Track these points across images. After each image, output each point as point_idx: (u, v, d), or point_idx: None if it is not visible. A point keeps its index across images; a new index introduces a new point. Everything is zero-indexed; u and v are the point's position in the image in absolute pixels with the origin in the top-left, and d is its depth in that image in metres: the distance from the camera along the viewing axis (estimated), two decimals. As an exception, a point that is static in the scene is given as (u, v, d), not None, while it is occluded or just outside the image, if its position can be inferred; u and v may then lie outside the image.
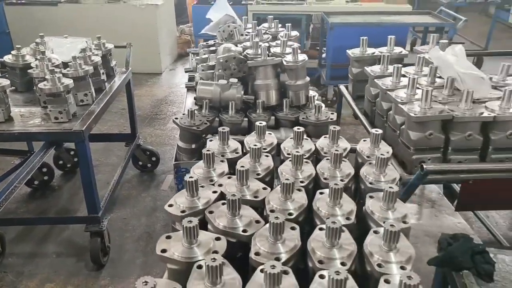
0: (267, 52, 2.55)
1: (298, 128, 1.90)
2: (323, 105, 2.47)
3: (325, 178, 1.64)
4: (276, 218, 1.25)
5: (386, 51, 3.19)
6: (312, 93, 2.69)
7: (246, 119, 2.47)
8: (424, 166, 2.08)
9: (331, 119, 2.34)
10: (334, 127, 1.93)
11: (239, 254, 1.35)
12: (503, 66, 2.68)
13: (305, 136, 1.94)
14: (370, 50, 3.26)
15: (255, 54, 2.55)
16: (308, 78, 2.54)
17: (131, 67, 4.16)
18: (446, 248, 1.87)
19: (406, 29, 6.87)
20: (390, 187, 1.42)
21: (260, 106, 2.46)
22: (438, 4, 8.47)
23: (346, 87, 3.49)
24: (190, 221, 1.23)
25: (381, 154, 1.62)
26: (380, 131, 1.83)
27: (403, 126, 2.39)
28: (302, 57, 2.46)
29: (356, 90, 3.30)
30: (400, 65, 2.68)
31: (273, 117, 2.51)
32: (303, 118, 2.38)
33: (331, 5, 7.42)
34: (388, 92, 2.57)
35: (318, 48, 7.10)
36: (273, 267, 1.06)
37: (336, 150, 1.67)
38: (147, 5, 7.39)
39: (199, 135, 2.28)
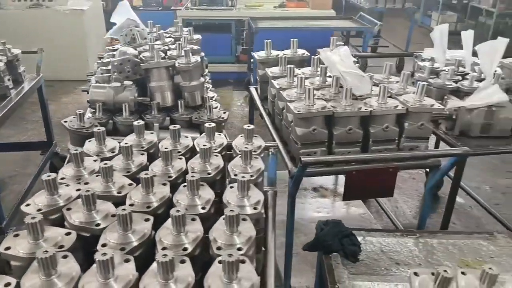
0: (163, 55, 2.61)
1: (209, 124, 1.94)
2: (217, 104, 2.56)
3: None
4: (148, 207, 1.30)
5: (290, 53, 3.36)
6: (211, 94, 2.78)
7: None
8: (302, 159, 2.22)
9: (222, 118, 2.44)
10: (248, 126, 1.98)
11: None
12: (386, 66, 2.92)
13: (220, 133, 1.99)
14: (274, 53, 3.41)
15: (151, 57, 2.60)
16: (202, 79, 2.63)
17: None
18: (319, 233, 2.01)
19: (330, 33, 7.22)
20: (242, 177, 1.52)
21: (155, 107, 2.51)
22: (363, 10, 8.92)
23: (257, 89, 3.62)
24: (34, 217, 1.26)
25: (245, 147, 1.72)
26: (251, 126, 1.94)
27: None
28: (195, 59, 2.55)
29: (263, 91, 3.43)
30: (293, 66, 2.83)
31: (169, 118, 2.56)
32: (195, 118, 2.46)
33: (259, 11, 7.62)
34: (281, 91, 2.72)
35: (251, 52, 7.26)
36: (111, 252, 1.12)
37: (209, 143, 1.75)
38: (72, 10, 7.21)
39: (89, 137, 2.28)
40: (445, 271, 1.29)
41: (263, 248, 1.67)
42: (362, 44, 6.64)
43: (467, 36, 3.13)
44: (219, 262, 1.18)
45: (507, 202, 4.58)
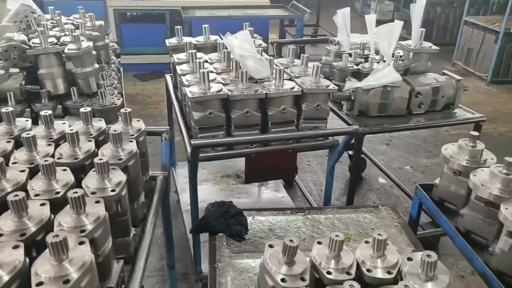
0: (55, 41, 2.50)
1: (84, 108, 1.87)
2: (115, 91, 2.49)
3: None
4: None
5: (202, 40, 3.33)
6: (111, 81, 2.70)
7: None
8: (192, 142, 2.21)
9: (115, 104, 2.38)
10: (125, 110, 1.92)
11: None
12: (289, 49, 2.96)
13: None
14: (186, 39, 3.37)
15: (40, 43, 2.49)
16: (97, 65, 2.54)
17: None
18: (206, 215, 2.01)
19: (265, 22, 7.26)
20: (99, 159, 1.48)
21: (45, 96, 2.41)
22: (302, -2, 9.01)
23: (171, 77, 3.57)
24: None
25: (114, 131, 1.68)
26: (129, 110, 1.90)
27: (192, 108, 2.52)
28: (86, 44, 2.46)
29: (175, 78, 3.38)
30: (194, 51, 2.81)
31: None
32: (88, 105, 2.38)
33: (194, 0, 7.51)
34: (182, 76, 2.69)
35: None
36: None
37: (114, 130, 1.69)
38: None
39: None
40: (291, 240, 1.32)
41: (133, 231, 1.65)
42: (296, 32, 6.73)
43: (371, 20, 3.23)
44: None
45: (425, 180, 4.81)
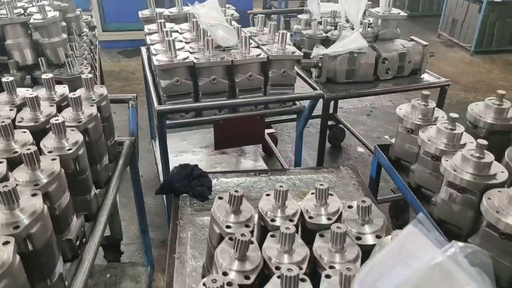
0: (22, 12, 2.52)
1: (46, 75, 1.91)
2: (84, 61, 2.53)
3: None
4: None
5: (176, 11, 3.35)
6: (81, 52, 2.73)
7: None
8: (156, 108, 2.27)
9: (83, 73, 2.42)
10: (86, 76, 1.96)
11: None
12: (258, 17, 2.99)
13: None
14: (158, 10, 3.37)
15: (5, 14, 2.50)
16: (64, 36, 2.57)
17: None
18: (171, 177, 2.09)
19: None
20: (56, 120, 1.54)
21: (13, 66, 2.44)
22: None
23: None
24: None
25: (73, 95, 1.74)
26: (90, 75, 1.94)
27: (161, 77, 2.56)
28: (52, 14, 2.48)
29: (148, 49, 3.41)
30: (162, 21, 2.84)
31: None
32: (56, 75, 2.42)
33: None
34: (151, 46, 2.72)
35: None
36: None
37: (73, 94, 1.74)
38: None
39: None
40: (236, 190, 1.40)
41: (94, 190, 1.73)
42: (277, 5, 6.70)
43: (341, -12, 3.24)
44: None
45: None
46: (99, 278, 2.57)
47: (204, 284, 1.08)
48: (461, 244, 0.97)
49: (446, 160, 1.64)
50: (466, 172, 1.58)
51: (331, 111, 4.83)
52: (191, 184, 2.05)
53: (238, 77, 2.57)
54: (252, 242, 1.27)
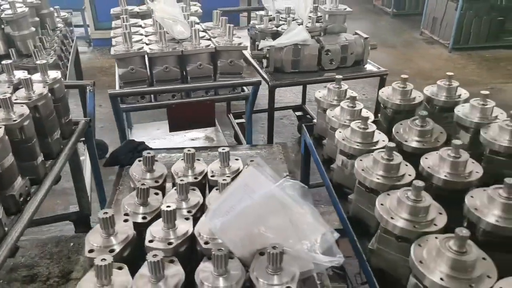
0: (-4, 8, 2.82)
1: (6, 62, 2.21)
2: (51, 52, 2.82)
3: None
4: None
5: (145, 8, 3.64)
6: (51, 44, 3.03)
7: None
8: (108, 92, 2.56)
9: (46, 61, 2.71)
10: (40, 62, 2.25)
11: None
12: (216, 13, 3.27)
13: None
14: (129, 7, 3.67)
15: (-19, 10, 2.81)
16: (33, 29, 2.87)
17: None
18: (118, 151, 2.38)
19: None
20: (3, 96, 1.83)
21: (-14, 56, 2.74)
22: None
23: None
24: None
25: (24, 77, 2.03)
26: (43, 61, 2.23)
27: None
28: (22, 9, 2.78)
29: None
30: (125, 16, 3.13)
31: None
32: (23, 63, 2.72)
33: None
34: (113, 39, 3.01)
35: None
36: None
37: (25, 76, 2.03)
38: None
39: None
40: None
41: (42, 158, 2.02)
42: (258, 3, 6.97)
43: (295, -14, 3.51)
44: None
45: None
46: (63, 246, 2.87)
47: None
48: (288, 180, 1.26)
49: (340, 132, 1.92)
50: (355, 141, 1.86)
51: (300, 102, 5.13)
52: (135, 156, 2.33)
53: (189, 66, 2.86)
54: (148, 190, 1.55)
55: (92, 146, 2.54)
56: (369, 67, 3.36)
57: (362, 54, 3.28)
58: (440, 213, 1.45)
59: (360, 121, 1.87)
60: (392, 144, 1.66)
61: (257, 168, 1.27)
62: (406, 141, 1.90)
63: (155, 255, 1.17)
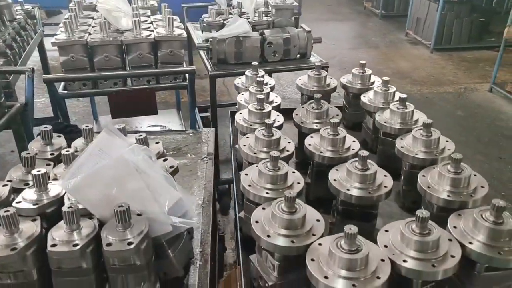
0: None
1: None
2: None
3: None
4: None
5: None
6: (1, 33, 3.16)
7: None
8: (43, 77, 2.68)
9: (-7, 49, 2.84)
10: None
11: None
12: (162, 6, 3.38)
13: None
14: (89, 0, 3.80)
15: None
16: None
17: None
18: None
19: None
20: None
21: None
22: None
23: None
24: None
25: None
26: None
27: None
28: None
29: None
30: (73, 7, 3.25)
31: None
32: (-31, 50, 2.85)
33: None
34: (59, 29, 3.14)
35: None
36: None
37: None
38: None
39: None
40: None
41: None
42: None
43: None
44: None
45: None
46: None
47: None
48: (136, 145, 1.36)
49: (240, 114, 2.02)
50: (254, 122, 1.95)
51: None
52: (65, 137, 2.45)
53: (130, 55, 2.97)
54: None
55: (28, 128, 2.66)
56: (313, 59, 3.44)
57: (305, 47, 3.37)
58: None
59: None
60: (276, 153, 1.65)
61: (109, 133, 1.36)
62: (302, 122, 1.98)
63: (70, 206, 1.24)
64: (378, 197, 1.48)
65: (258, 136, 1.75)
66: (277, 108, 2.14)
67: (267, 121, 1.75)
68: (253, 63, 2.36)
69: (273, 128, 1.75)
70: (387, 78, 2.15)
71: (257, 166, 1.55)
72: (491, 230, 1.22)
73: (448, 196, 1.42)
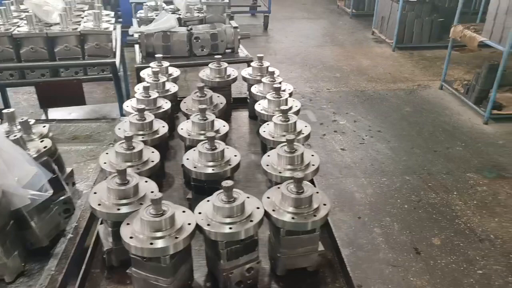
0: None
1: None
2: None
3: None
4: None
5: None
6: None
7: None
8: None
9: None
10: None
11: None
12: (94, 1, 3.53)
13: None
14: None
15: None
16: None
17: None
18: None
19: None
20: None
21: None
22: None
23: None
24: None
25: None
26: None
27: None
28: None
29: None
30: (8, 2, 3.39)
31: None
32: None
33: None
34: (-7, 21, 3.27)
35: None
36: None
37: None
38: None
39: None
40: None
41: None
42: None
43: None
44: None
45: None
46: None
47: None
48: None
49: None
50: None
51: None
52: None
53: (56, 47, 3.11)
54: None
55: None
56: (242, 54, 3.60)
57: (233, 42, 3.53)
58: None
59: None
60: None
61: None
62: (186, 109, 2.14)
63: None
64: (224, 172, 1.64)
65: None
66: (172, 97, 2.30)
67: (138, 107, 1.91)
68: (156, 55, 2.51)
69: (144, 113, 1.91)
70: (267, 64, 2.32)
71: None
72: (293, 200, 1.39)
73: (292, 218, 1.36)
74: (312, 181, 1.79)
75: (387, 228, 3.65)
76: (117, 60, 3.32)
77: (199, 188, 1.71)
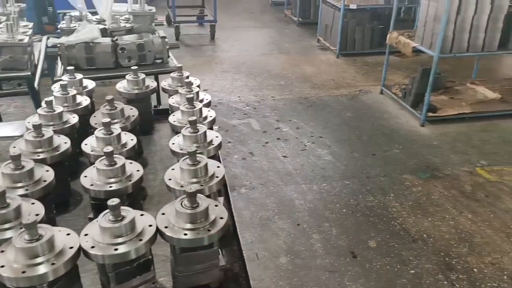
0: None
1: None
2: None
3: None
4: None
5: None
6: None
7: None
8: None
9: None
10: None
11: None
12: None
13: None
14: None
15: None
16: None
17: None
18: None
19: None
20: None
21: None
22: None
23: None
24: None
25: None
26: None
27: None
28: None
29: None
30: None
31: None
32: None
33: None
34: None
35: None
36: None
37: None
38: None
39: None
40: None
41: None
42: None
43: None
44: None
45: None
46: None
47: None
48: None
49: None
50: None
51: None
52: None
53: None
54: None
55: None
56: (172, 64, 3.53)
57: (161, 52, 3.45)
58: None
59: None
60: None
61: None
62: (96, 123, 2.04)
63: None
64: (125, 188, 1.56)
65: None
66: (83, 110, 2.18)
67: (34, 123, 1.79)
68: (68, 68, 2.39)
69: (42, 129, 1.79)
70: (187, 74, 2.25)
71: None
72: (187, 215, 1.32)
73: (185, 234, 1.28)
74: (225, 190, 1.76)
75: (325, 234, 3.66)
76: (38, 73, 3.16)
77: (100, 206, 1.61)
